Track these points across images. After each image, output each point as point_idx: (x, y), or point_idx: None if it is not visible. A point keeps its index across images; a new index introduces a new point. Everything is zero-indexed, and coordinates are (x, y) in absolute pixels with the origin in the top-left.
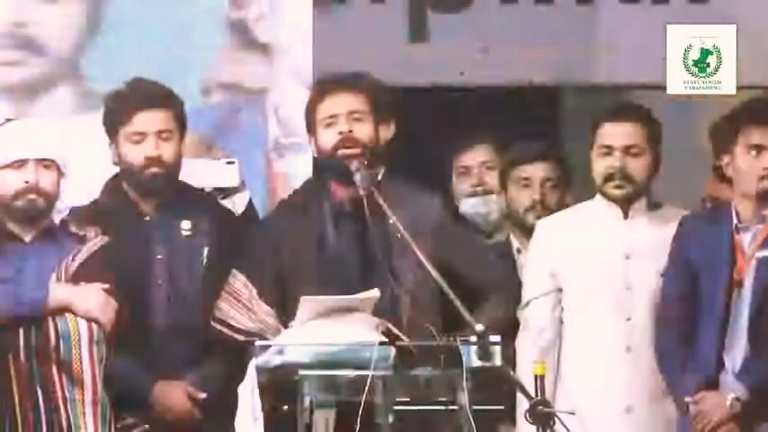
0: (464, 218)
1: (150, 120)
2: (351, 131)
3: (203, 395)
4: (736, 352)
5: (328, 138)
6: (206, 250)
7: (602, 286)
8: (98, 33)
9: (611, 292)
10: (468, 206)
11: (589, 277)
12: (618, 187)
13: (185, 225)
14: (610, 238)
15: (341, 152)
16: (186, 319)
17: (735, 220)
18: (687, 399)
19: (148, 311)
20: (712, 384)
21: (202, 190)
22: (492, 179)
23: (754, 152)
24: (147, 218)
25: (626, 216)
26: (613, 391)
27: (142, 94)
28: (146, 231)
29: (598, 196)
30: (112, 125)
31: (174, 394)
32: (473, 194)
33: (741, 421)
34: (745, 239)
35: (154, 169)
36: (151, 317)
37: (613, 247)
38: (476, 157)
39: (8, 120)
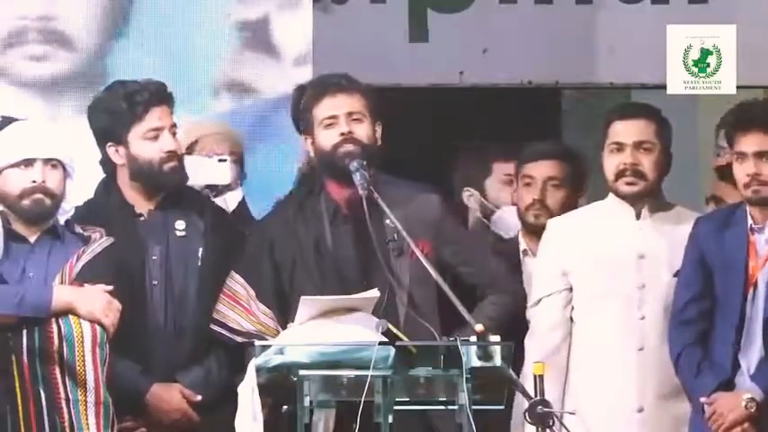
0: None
1: (163, 115)
2: (351, 132)
3: (199, 397)
4: (752, 353)
5: (328, 138)
6: (201, 250)
7: (615, 286)
8: (124, 35)
9: (624, 291)
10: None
11: (601, 276)
12: (630, 184)
13: (180, 225)
14: (622, 238)
15: (342, 150)
16: (182, 320)
17: (749, 221)
18: (702, 399)
19: (144, 311)
20: (728, 385)
21: (197, 190)
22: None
23: (740, 159)
24: (143, 218)
25: (638, 216)
26: (625, 390)
27: (152, 91)
28: (141, 231)
29: (610, 196)
30: (120, 126)
31: (170, 396)
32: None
33: (756, 422)
34: (760, 240)
35: (173, 163)
36: (147, 317)
37: (626, 246)
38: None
39: (4, 117)
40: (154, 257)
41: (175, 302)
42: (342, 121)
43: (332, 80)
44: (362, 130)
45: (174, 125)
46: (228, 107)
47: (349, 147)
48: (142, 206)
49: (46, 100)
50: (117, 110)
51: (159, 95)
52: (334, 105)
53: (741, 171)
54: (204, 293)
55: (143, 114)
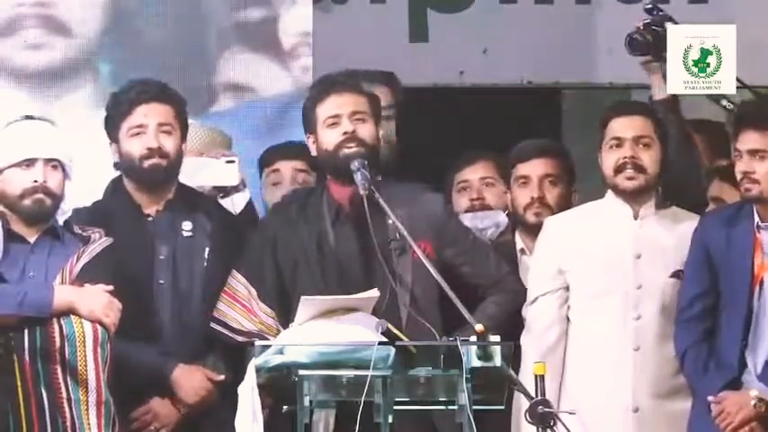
0: None
1: (150, 112)
2: (354, 131)
3: (222, 377)
4: (759, 352)
5: (331, 137)
6: (207, 251)
7: (612, 285)
8: (118, 30)
9: (621, 290)
10: (465, 220)
11: (598, 276)
12: (630, 179)
13: (186, 226)
14: (620, 237)
15: (344, 151)
16: (187, 319)
17: (756, 219)
18: (710, 398)
19: (151, 311)
20: (735, 384)
21: (203, 191)
22: (491, 195)
23: (737, 156)
24: (150, 218)
25: (636, 216)
26: (620, 390)
27: (142, 89)
28: (149, 231)
29: (608, 195)
30: (114, 121)
31: (195, 375)
32: (471, 209)
33: (765, 421)
34: (766, 238)
35: (154, 160)
36: (153, 316)
37: (623, 246)
38: (476, 172)
39: (26, 117)
40: (161, 257)
41: (181, 302)
42: (345, 120)
43: (338, 79)
44: (365, 130)
45: (163, 124)
46: (225, 108)
47: (351, 146)
48: (149, 207)
49: (38, 96)
50: (111, 106)
51: (151, 94)
52: (338, 104)
53: (737, 168)
54: (210, 293)
55: (130, 110)
